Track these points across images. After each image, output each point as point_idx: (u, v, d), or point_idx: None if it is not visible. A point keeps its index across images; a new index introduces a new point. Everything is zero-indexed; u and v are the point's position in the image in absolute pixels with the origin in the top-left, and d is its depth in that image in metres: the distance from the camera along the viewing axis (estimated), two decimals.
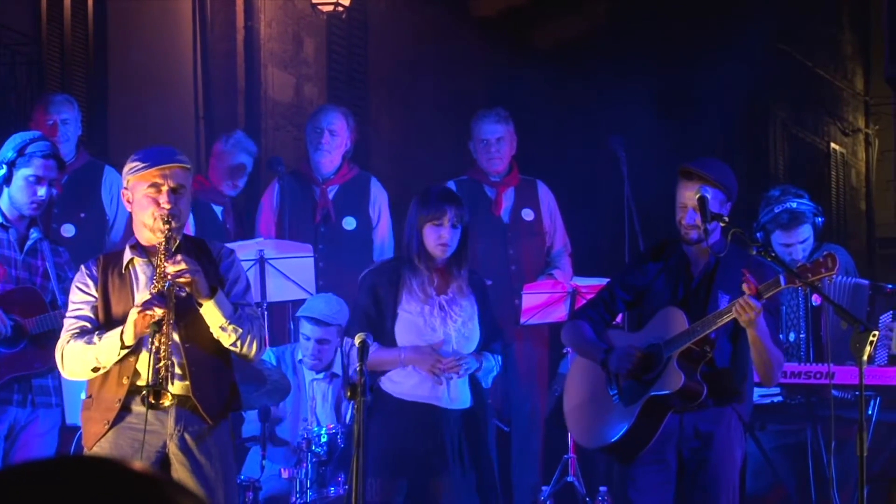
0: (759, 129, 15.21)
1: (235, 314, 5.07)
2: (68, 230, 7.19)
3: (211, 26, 9.72)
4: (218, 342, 5.09)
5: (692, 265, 5.67)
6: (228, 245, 7.52)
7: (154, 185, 5.06)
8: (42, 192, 6.03)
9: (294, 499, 6.40)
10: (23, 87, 8.11)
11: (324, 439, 6.39)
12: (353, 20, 10.93)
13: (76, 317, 5.14)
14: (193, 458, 5.06)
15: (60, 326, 5.87)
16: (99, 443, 5.06)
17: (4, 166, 6.03)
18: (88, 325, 5.11)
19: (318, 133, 7.97)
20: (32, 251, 6.08)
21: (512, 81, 12.05)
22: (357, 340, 5.36)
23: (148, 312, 4.87)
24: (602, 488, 7.39)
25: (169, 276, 4.91)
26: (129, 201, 5.15)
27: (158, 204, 5.04)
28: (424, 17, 11.84)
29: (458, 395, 5.82)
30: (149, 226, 5.09)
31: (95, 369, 5.04)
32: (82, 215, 7.25)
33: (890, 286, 6.69)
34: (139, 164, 5.10)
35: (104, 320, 5.11)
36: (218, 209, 7.92)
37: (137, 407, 5.04)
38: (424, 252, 5.81)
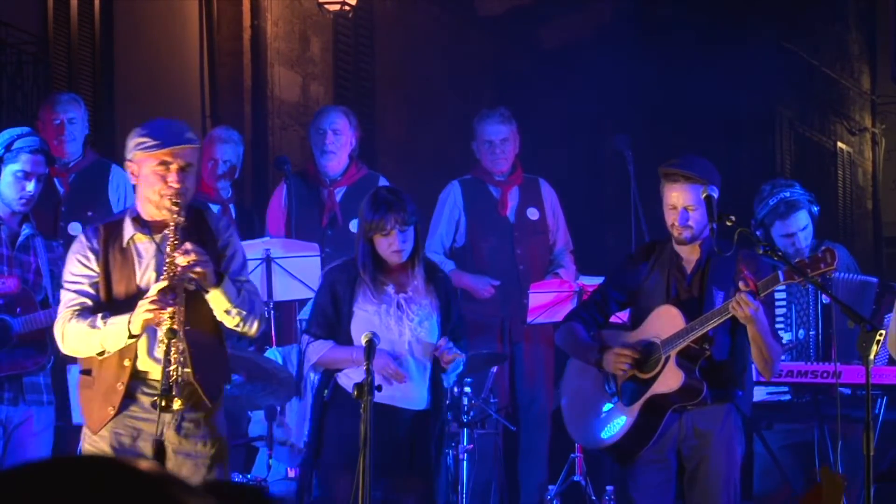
0: (765, 128, 15.20)
1: (239, 296, 5.00)
2: (75, 228, 7.18)
3: (217, 25, 9.73)
4: (216, 320, 5.02)
5: (684, 263, 5.68)
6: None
7: (163, 162, 4.95)
8: (31, 187, 5.98)
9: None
10: (29, 87, 8.11)
11: None
12: (360, 19, 10.93)
13: (76, 291, 5.02)
14: (189, 442, 5.00)
15: (50, 326, 5.87)
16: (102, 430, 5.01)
17: None
18: (89, 301, 5.00)
19: (322, 135, 7.86)
20: (24, 248, 6.05)
21: (518, 81, 12.05)
22: (364, 339, 5.35)
23: (160, 311, 4.79)
24: (609, 488, 7.39)
25: (179, 269, 4.82)
26: (133, 174, 5.04)
27: (166, 182, 4.95)
28: (430, 17, 11.85)
29: (413, 396, 5.73)
30: (154, 202, 4.98)
31: (101, 353, 4.96)
32: (89, 214, 7.23)
33: None
34: (149, 142, 4.98)
35: (105, 298, 5.00)
36: (215, 207, 7.81)
37: (140, 395, 4.99)
38: (376, 258, 5.73)
